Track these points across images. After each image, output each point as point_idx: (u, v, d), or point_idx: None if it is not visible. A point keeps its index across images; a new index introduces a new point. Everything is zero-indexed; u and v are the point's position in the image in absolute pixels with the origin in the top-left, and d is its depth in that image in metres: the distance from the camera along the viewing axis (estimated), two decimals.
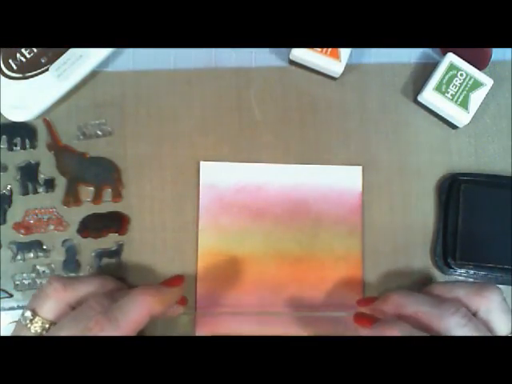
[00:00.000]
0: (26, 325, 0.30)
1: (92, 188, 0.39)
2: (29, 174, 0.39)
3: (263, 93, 0.41)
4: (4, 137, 0.39)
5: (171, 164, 0.40)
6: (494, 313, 0.32)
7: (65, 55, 0.38)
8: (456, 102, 0.40)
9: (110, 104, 0.40)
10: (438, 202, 0.41)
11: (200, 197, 0.39)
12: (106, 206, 0.39)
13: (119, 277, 0.37)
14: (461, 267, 0.39)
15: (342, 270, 0.40)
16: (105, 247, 0.39)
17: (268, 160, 0.40)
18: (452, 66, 0.40)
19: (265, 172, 0.40)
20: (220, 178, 0.40)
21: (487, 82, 0.40)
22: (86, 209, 0.39)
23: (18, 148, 0.39)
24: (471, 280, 0.40)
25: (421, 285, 0.38)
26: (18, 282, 0.38)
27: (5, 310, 0.38)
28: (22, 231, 0.38)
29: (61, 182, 0.39)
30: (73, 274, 0.38)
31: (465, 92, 0.40)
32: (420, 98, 0.41)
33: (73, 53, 0.38)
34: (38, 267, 0.38)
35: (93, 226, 0.39)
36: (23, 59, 0.38)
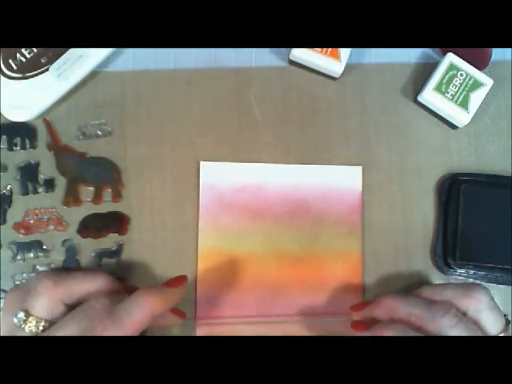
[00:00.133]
0: (21, 325, 0.30)
1: (92, 188, 0.39)
2: (29, 174, 0.39)
3: (263, 93, 0.41)
4: (4, 137, 0.39)
5: (171, 164, 0.40)
6: (483, 312, 0.33)
7: (65, 55, 0.38)
8: (456, 101, 0.40)
9: (110, 104, 0.40)
10: (438, 202, 0.41)
11: (200, 197, 0.39)
12: (106, 206, 0.39)
13: (119, 277, 0.37)
14: (461, 267, 0.39)
15: (342, 270, 0.40)
16: (105, 247, 0.39)
17: (268, 160, 0.40)
18: (452, 66, 0.40)
19: (265, 172, 0.40)
20: (220, 178, 0.40)
21: (487, 82, 0.40)
22: (86, 209, 0.39)
23: (18, 148, 0.39)
24: (463, 280, 0.40)
25: (420, 285, 0.38)
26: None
27: None
28: (22, 231, 0.38)
29: (61, 182, 0.39)
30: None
31: (465, 92, 0.40)
32: (420, 98, 0.41)
33: (73, 53, 0.38)
34: (38, 267, 0.38)
35: (93, 225, 0.39)
36: (23, 59, 0.38)
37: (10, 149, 0.39)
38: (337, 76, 0.40)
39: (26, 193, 0.39)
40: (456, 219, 0.39)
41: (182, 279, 0.35)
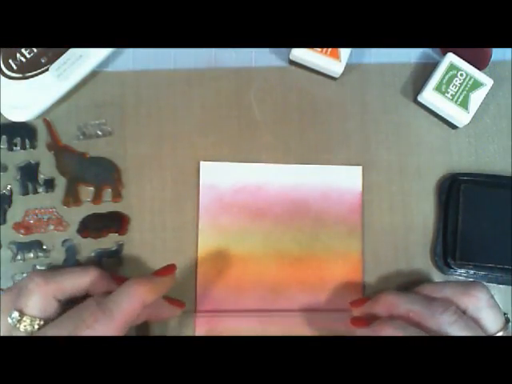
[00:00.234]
0: (15, 325, 0.30)
1: (92, 188, 0.39)
2: (29, 174, 0.39)
3: (263, 93, 0.41)
4: (4, 137, 0.39)
5: (171, 164, 0.40)
6: (482, 310, 0.33)
7: (65, 55, 0.38)
8: (456, 101, 0.40)
9: (110, 104, 0.40)
10: (438, 202, 0.41)
11: (200, 197, 0.39)
12: (106, 206, 0.39)
13: (121, 277, 0.37)
14: (461, 267, 0.39)
15: (342, 269, 0.40)
16: (105, 247, 0.39)
17: (268, 160, 0.40)
18: (452, 66, 0.40)
19: (265, 172, 0.40)
20: (220, 178, 0.40)
21: (487, 82, 0.40)
22: (86, 209, 0.39)
23: (18, 148, 0.39)
24: (462, 279, 0.40)
25: (420, 285, 0.38)
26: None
27: None
28: (22, 231, 0.38)
29: (61, 182, 0.39)
30: None
31: (465, 92, 0.40)
32: (420, 98, 0.41)
33: (73, 53, 0.38)
34: (38, 267, 0.38)
35: (93, 225, 0.39)
36: (23, 59, 0.38)
37: (10, 149, 0.39)
38: (337, 76, 0.40)
39: (26, 193, 0.39)
40: (456, 219, 0.39)
41: (170, 268, 0.35)
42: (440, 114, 0.41)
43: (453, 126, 0.41)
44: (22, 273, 0.38)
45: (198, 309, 0.38)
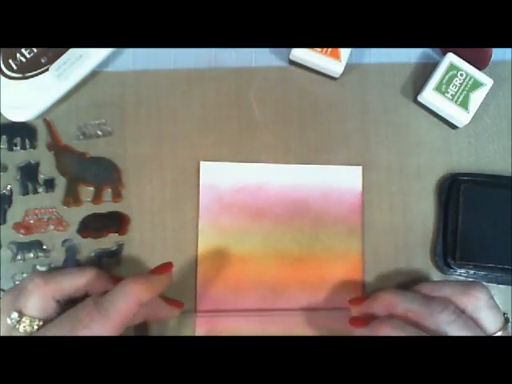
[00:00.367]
0: (15, 326, 0.30)
1: (92, 188, 0.39)
2: (29, 174, 0.39)
3: (263, 93, 0.41)
4: (4, 137, 0.39)
5: (171, 164, 0.40)
6: (481, 311, 0.33)
7: (65, 55, 0.38)
8: (456, 102, 0.40)
9: (110, 104, 0.40)
10: (438, 202, 0.41)
11: (200, 197, 0.39)
12: (106, 206, 0.39)
13: (119, 277, 0.37)
14: (461, 267, 0.39)
15: (342, 269, 0.40)
16: (105, 247, 0.39)
17: (268, 160, 0.40)
18: (452, 66, 0.40)
19: (265, 172, 0.40)
20: (220, 178, 0.40)
21: (487, 82, 0.40)
22: (86, 209, 0.39)
23: (18, 148, 0.39)
24: (462, 279, 0.40)
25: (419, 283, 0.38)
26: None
27: None
28: (22, 231, 0.38)
29: (61, 182, 0.39)
30: None
31: (465, 92, 0.40)
32: (420, 98, 0.41)
33: (73, 53, 0.38)
34: (37, 267, 0.38)
35: (93, 225, 0.39)
36: (23, 59, 0.38)
37: (10, 149, 0.39)
38: (337, 76, 0.40)
39: (26, 193, 0.39)
40: (456, 219, 0.39)
41: (167, 266, 0.35)
42: (440, 114, 0.41)
43: (453, 126, 0.41)
44: (22, 273, 0.38)
45: (198, 309, 0.38)
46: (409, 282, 0.40)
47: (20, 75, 0.38)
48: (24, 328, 0.30)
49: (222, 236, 0.39)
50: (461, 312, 0.33)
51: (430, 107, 0.41)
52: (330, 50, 0.39)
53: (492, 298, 0.34)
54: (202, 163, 0.40)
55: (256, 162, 0.40)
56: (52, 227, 0.39)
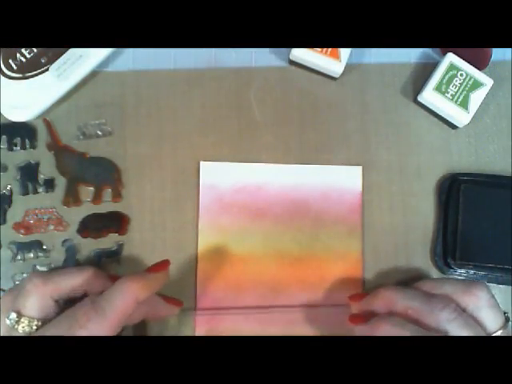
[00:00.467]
0: (13, 326, 0.30)
1: (92, 188, 0.39)
2: (29, 173, 0.39)
3: (263, 93, 0.41)
4: (4, 137, 0.39)
5: (171, 164, 0.40)
6: (482, 310, 0.33)
7: (65, 55, 0.38)
8: (456, 102, 0.40)
9: (110, 104, 0.40)
10: (438, 202, 0.41)
11: (200, 197, 0.39)
12: (106, 206, 0.39)
13: (117, 276, 0.37)
14: (461, 267, 0.39)
15: (342, 269, 0.40)
16: (105, 247, 0.39)
17: (268, 160, 0.40)
18: (452, 66, 0.40)
19: (265, 172, 0.40)
20: (220, 178, 0.40)
21: (487, 82, 0.40)
22: (86, 209, 0.39)
23: (18, 148, 0.39)
24: (462, 279, 0.40)
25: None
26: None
27: None
28: (22, 231, 0.38)
29: (61, 182, 0.39)
30: None
31: (465, 92, 0.40)
32: (420, 98, 0.41)
33: (73, 53, 0.38)
34: (37, 267, 0.38)
35: (93, 225, 0.39)
36: (23, 59, 0.38)
37: (10, 149, 0.39)
38: (337, 76, 0.40)
39: (26, 193, 0.39)
40: (456, 219, 0.39)
41: (164, 264, 0.35)
42: (440, 114, 0.41)
43: (453, 126, 0.41)
44: (22, 273, 0.38)
45: (199, 309, 0.38)
46: (409, 282, 0.40)
47: (20, 75, 0.38)
48: (23, 328, 0.30)
49: (222, 236, 0.39)
50: (461, 310, 0.32)
51: (430, 107, 0.41)
52: (329, 50, 0.39)
53: (493, 297, 0.34)
54: (201, 163, 0.40)
55: (256, 162, 0.40)
56: (52, 227, 0.39)
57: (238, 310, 0.39)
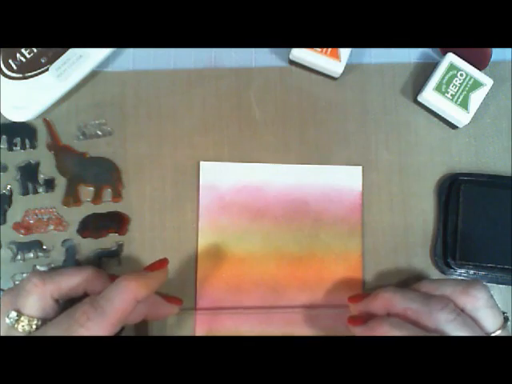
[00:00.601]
0: (13, 325, 0.30)
1: (92, 188, 0.39)
2: (29, 173, 0.39)
3: (263, 93, 0.41)
4: (4, 137, 0.39)
5: (171, 164, 0.40)
6: (481, 310, 0.33)
7: (65, 55, 0.38)
8: (456, 102, 0.40)
9: (109, 104, 0.40)
10: (438, 202, 0.41)
11: (200, 197, 0.39)
12: (106, 206, 0.39)
13: (117, 276, 0.37)
14: (461, 267, 0.39)
15: (342, 269, 0.40)
16: (105, 247, 0.39)
17: (268, 160, 0.40)
18: (452, 66, 0.40)
19: (265, 172, 0.40)
20: (220, 178, 0.40)
21: (487, 82, 0.40)
22: (86, 209, 0.39)
23: (18, 148, 0.39)
24: (462, 279, 0.40)
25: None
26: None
27: None
28: (22, 231, 0.38)
29: (61, 182, 0.39)
30: None
31: (465, 92, 0.40)
32: (420, 98, 0.41)
33: (73, 53, 0.38)
34: (37, 267, 0.38)
35: (93, 225, 0.39)
36: (23, 59, 0.38)
37: (10, 149, 0.39)
38: (337, 76, 0.40)
39: (26, 193, 0.39)
40: (456, 219, 0.39)
41: (163, 262, 0.35)
42: (440, 114, 0.41)
43: (453, 126, 0.41)
44: (22, 273, 0.38)
45: (198, 309, 0.38)
46: (409, 282, 0.40)
47: (20, 75, 0.38)
48: (23, 327, 0.30)
49: (222, 236, 0.39)
50: (460, 311, 0.32)
51: (430, 107, 0.41)
52: (329, 50, 0.39)
53: (491, 297, 0.34)
54: (201, 163, 0.40)
55: (256, 162, 0.40)
56: (52, 227, 0.39)
57: (237, 310, 0.39)
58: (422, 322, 0.32)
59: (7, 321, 0.30)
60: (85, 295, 0.33)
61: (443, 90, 0.40)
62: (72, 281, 0.33)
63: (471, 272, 0.39)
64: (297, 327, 0.38)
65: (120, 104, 0.40)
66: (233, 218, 0.40)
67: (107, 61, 0.40)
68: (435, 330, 0.31)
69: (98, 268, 0.35)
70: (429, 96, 0.40)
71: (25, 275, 0.38)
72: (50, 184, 0.39)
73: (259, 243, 0.39)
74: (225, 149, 0.40)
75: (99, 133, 0.40)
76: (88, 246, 0.39)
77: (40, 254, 0.38)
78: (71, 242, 0.39)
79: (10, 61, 0.38)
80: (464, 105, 0.40)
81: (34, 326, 0.30)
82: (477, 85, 0.40)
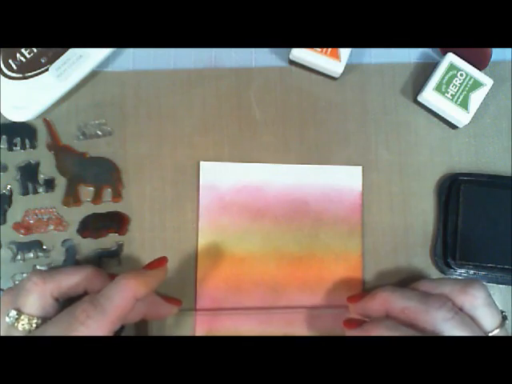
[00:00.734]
0: (13, 324, 0.30)
1: (92, 188, 0.39)
2: (29, 173, 0.39)
3: (263, 93, 0.41)
4: (4, 137, 0.39)
5: (171, 164, 0.40)
6: (479, 309, 0.33)
7: (65, 55, 0.38)
8: (456, 102, 0.40)
9: (109, 104, 0.40)
10: (438, 202, 0.41)
11: (200, 197, 0.39)
12: (106, 206, 0.39)
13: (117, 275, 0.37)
14: (461, 267, 0.39)
15: (342, 269, 0.40)
16: (105, 247, 0.39)
17: (268, 160, 0.40)
18: (452, 66, 0.40)
19: (265, 172, 0.40)
20: (220, 178, 0.40)
21: (487, 82, 0.40)
22: (86, 209, 0.39)
23: (18, 148, 0.39)
24: (459, 277, 0.40)
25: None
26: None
27: None
28: (22, 231, 0.38)
29: (61, 182, 0.39)
30: None
31: (465, 92, 0.40)
32: (420, 98, 0.41)
33: (73, 53, 0.38)
34: (37, 267, 0.38)
35: (93, 225, 0.39)
36: (23, 59, 0.38)
37: (10, 149, 0.39)
38: (337, 76, 0.40)
39: (26, 193, 0.39)
40: (456, 219, 0.39)
41: (162, 260, 0.35)
42: (440, 114, 0.41)
43: (453, 126, 0.41)
44: (22, 273, 0.38)
45: (198, 309, 0.38)
46: (408, 282, 0.40)
47: (20, 75, 0.38)
48: (23, 326, 0.30)
49: (222, 236, 0.39)
50: (458, 309, 0.32)
51: (430, 107, 0.41)
52: (329, 50, 0.39)
53: (490, 295, 0.33)
54: (201, 163, 0.40)
55: (256, 162, 0.40)
56: (52, 227, 0.39)
57: (237, 310, 0.39)
58: (420, 321, 0.32)
59: (7, 320, 0.31)
60: (85, 294, 0.33)
61: (443, 89, 0.40)
62: (72, 279, 0.33)
63: (471, 272, 0.39)
64: (297, 327, 0.38)
65: (120, 104, 0.40)
66: (233, 218, 0.40)
67: (107, 61, 0.40)
68: (433, 329, 0.31)
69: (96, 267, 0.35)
70: (429, 96, 0.40)
71: (25, 275, 0.38)
72: (50, 184, 0.39)
73: (259, 243, 0.39)
74: (225, 149, 0.40)
75: (99, 133, 0.40)
76: (88, 246, 0.39)
77: (40, 253, 0.38)
78: (71, 241, 0.39)
79: (10, 61, 0.38)
80: (464, 105, 0.40)
81: (34, 325, 0.31)
82: (477, 85, 0.40)
